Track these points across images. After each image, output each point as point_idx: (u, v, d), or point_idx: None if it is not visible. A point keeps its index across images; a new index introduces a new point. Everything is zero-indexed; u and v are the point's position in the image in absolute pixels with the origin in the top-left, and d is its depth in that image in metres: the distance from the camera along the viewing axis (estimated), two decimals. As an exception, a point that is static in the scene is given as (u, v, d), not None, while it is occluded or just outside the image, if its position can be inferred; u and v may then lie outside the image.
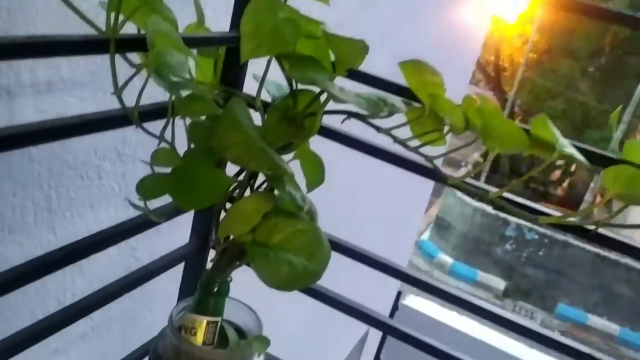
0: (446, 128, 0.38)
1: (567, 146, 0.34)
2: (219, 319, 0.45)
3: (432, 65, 0.38)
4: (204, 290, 0.44)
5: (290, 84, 0.42)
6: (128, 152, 0.68)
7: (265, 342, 0.44)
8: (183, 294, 0.53)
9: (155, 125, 0.40)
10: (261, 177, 0.43)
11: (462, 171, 10.98)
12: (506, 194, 0.37)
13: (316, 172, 0.43)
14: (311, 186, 0.44)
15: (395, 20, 1.41)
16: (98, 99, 0.58)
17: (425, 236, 9.83)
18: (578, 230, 0.36)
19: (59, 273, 0.59)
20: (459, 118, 0.36)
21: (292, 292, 0.43)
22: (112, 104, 0.56)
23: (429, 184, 3.25)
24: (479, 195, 0.37)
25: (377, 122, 0.39)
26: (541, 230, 9.28)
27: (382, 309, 3.36)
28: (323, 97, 0.40)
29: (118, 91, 0.32)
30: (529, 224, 9.29)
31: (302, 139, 0.41)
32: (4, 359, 0.38)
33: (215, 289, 0.44)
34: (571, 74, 10.20)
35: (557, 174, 11.69)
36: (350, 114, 0.40)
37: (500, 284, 9.04)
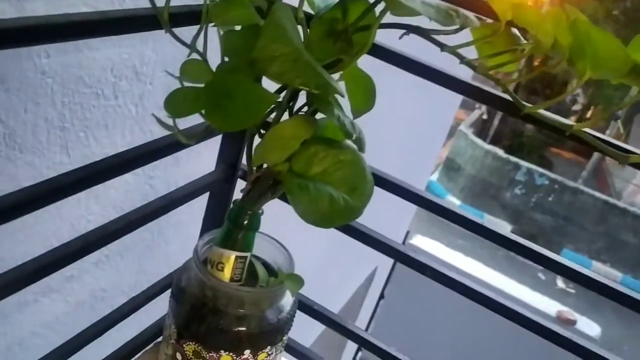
0: (525, 51, 0.32)
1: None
2: (248, 254, 0.41)
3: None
4: (233, 223, 0.40)
5: (340, -8, 0.36)
6: (146, 71, 0.62)
7: (300, 281, 0.40)
8: (207, 226, 0.49)
9: (185, 35, 0.35)
10: (301, 100, 0.38)
11: (476, 113, 10.80)
12: (589, 130, 0.32)
13: (366, 96, 0.38)
14: (358, 112, 0.39)
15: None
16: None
17: (434, 177, 9.81)
18: None
19: (74, 198, 0.56)
20: (547, 33, 0.30)
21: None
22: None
23: (446, 124, 3.18)
24: (562, 127, 0.32)
25: (443, 39, 0.34)
26: (552, 175, 9.23)
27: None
28: (379, 8, 0.35)
29: (147, -15, 0.27)
30: (540, 169, 9.23)
31: (352, 57, 0.35)
32: (19, 288, 0.34)
33: (245, 222, 0.40)
34: (595, 15, 9.84)
35: (572, 119, 11.51)
36: (411, 28, 0.34)
37: (506, 227, 9.08)
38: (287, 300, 0.43)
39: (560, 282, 7.96)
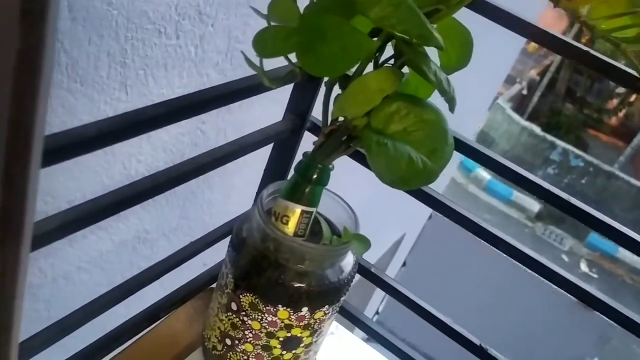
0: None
1: None
2: (314, 209, 0.39)
3: None
4: (302, 175, 0.38)
5: None
6: (210, 12, 0.60)
7: (367, 242, 0.38)
8: (268, 177, 0.48)
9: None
10: (388, 52, 0.36)
11: (516, 88, 10.55)
12: None
13: (461, 52, 0.35)
14: (450, 69, 0.36)
15: None
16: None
17: (466, 149, 9.66)
18: None
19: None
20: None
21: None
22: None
23: (489, 97, 3.09)
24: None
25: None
26: (588, 158, 9.03)
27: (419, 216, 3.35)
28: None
29: None
30: (576, 150, 9.03)
31: (451, 8, 0.33)
32: (78, 229, 0.33)
33: (315, 176, 0.38)
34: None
35: (614, 102, 11.15)
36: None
37: (534, 206, 8.95)
38: (349, 261, 0.41)
39: (583, 266, 7.87)
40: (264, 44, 0.29)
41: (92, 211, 0.35)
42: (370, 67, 0.36)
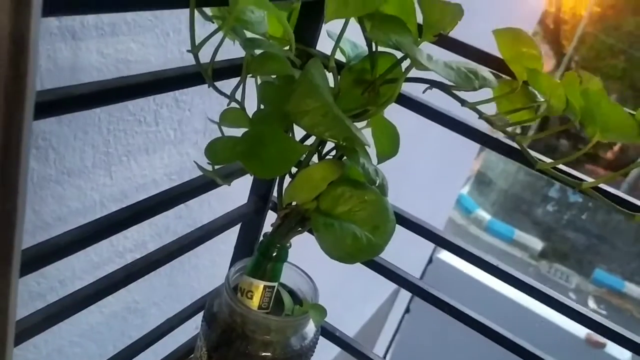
0: (541, 108, 0.34)
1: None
2: (275, 284, 0.44)
3: (529, 35, 0.35)
4: (262, 254, 0.43)
5: (370, 46, 0.39)
6: (185, 99, 0.66)
7: (323, 311, 0.43)
8: (238, 254, 0.52)
9: (223, 85, 0.38)
10: (330, 143, 0.41)
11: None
12: (602, 186, 0.34)
13: (390, 144, 0.41)
14: (383, 157, 0.42)
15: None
16: (160, 44, 0.56)
17: (465, 190, 9.71)
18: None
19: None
20: (560, 98, 0.32)
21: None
22: (173, 50, 0.54)
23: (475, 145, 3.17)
24: (571, 184, 0.34)
25: (464, 94, 0.36)
26: (586, 193, 9.04)
27: (419, 259, 3.36)
28: (405, 63, 0.37)
29: (195, 49, 0.30)
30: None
31: (379, 107, 0.38)
32: (67, 316, 0.38)
33: (274, 254, 0.43)
34: (636, 31, 9.64)
35: (608, 136, 11.24)
36: (434, 84, 0.37)
37: (537, 244, 8.93)
38: (311, 328, 0.45)
39: (591, 303, 7.79)
40: (215, 152, 0.34)
41: (83, 297, 0.40)
42: (316, 158, 0.41)
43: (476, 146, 3.25)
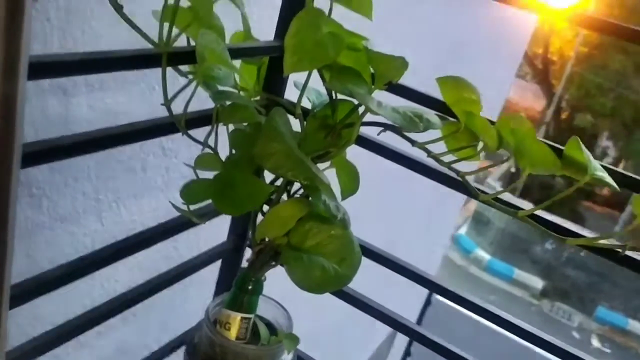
0: (480, 145, 0.38)
1: (599, 169, 0.34)
2: (252, 315, 0.47)
3: (469, 81, 0.39)
4: (238, 288, 0.46)
5: (330, 94, 0.43)
6: (172, 147, 0.70)
7: (295, 340, 0.46)
8: (220, 288, 0.56)
9: (199, 131, 0.42)
10: (298, 183, 0.45)
11: (504, 166, 10.76)
12: (539, 212, 0.38)
13: (351, 182, 0.45)
14: (345, 194, 0.45)
15: (439, 12, 1.39)
16: (146, 97, 0.61)
17: (463, 231, 9.72)
18: (606, 252, 0.36)
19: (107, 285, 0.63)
20: (492, 138, 0.36)
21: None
22: (158, 102, 0.58)
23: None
24: (509, 213, 0.38)
25: (412, 134, 0.40)
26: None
27: (416, 300, 3.35)
28: (361, 109, 0.41)
29: (168, 102, 0.34)
30: (571, 224, 9.07)
31: (340, 148, 0.42)
32: (56, 345, 0.41)
33: (250, 287, 0.46)
34: (623, 70, 9.85)
35: (603, 173, 11.32)
36: (387, 127, 0.41)
37: (538, 283, 8.88)
38: (287, 357, 0.48)
39: (595, 342, 7.70)
40: (190, 194, 0.38)
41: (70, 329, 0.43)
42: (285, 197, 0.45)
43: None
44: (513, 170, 11.05)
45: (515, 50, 2.60)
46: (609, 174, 0.35)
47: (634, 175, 0.36)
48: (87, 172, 0.60)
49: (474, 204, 9.94)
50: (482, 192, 0.39)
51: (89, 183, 0.61)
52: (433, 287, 0.51)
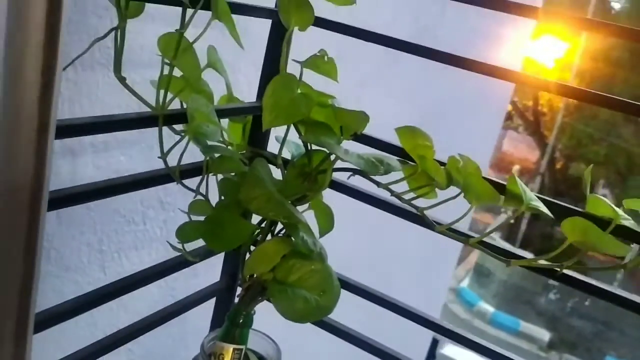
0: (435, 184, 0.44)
1: (534, 200, 0.40)
2: (243, 347, 0.52)
3: (424, 130, 0.45)
4: (230, 321, 0.51)
5: (306, 146, 0.50)
6: (170, 200, 0.76)
7: (283, 368, 0.50)
8: (214, 325, 0.60)
9: (193, 181, 0.48)
10: (281, 224, 0.50)
11: (502, 217, 10.80)
12: (487, 239, 0.43)
13: (327, 221, 0.50)
14: (323, 233, 0.51)
15: (421, 69, 1.48)
16: (145, 156, 0.67)
17: (465, 284, 9.65)
18: (547, 272, 0.41)
19: (107, 309, 0.68)
20: (442, 177, 0.42)
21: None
22: (156, 159, 0.65)
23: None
24: (461, 240, 0.43)
25: (379, 177, 0.46)
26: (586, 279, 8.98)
27: (417, 353, 3.32)
28: (333, 157, 0.48)
29: (164, 156, 0.40)
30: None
31: (316, 191, 0.48)
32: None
33: (241, 321, 0.51)
34: (612, 120, 10.05)
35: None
36: (355, 171, 0.47)
37: (544, 335, 8.74)
38: (276, 386, 0.52)
39: (607, 393, 7.52)
40: (183, 234, 0.44)
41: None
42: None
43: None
44: (512, 221, 11.08)
45: (499, 103, 2.70)
46: (544, 204, 0.41)
47: (562, 203, 0.42)
48: (93, 225, 0.66)
49: (474, 256, 9.92)
50: (438, 223, 0.44)
51: (93, 235, 0.67)
52: (437, 328, 0.54)
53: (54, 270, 0.63)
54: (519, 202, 0.40)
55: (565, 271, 0.42)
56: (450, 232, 0.44)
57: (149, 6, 0.41)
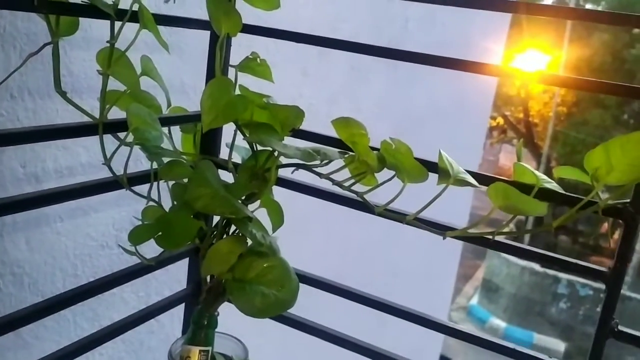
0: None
1: (462, 172, 0.42)
2: (209, 348, 0.53)
3: (359, 120, 0.48)
4: (195, 324, 0.53)
5: (252, 147, 0.52)
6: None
7: (249, 366, 0.51)
8: (185, 329, 0.62)
9: (144, 187, 0.50)
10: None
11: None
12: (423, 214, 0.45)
13: (277, 216, 0.52)
14: (275, 227, 0.53)
15: (398, 84, 1.52)
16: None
17: (474, 301, 9.57)
18: (480, 240, 0.43)
19: (88, 325, 0.69)
20: (373, 159, 0.44)
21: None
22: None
23: (456, 244, 3.26)
24: (399, 219, 0.45)
25: (321, 169, 0.48)
26: (595, 285, 8.94)
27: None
28: (277, 155, 0.50)
29: (107, 161, 0.43)
30: (580, 280, 8.97)
31: (263, 189, 0.50)
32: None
33: (205, 322, 0.53)
34: (602, 123, 10.12)
35: (605, 225, 11.35)
36: (298, 165, 0.49)
37: (559, 345, 8.63)
38: (245, 385, 0.54)
39: (628, 401, 7.38)
40: (135, 236, 0.46)
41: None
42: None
43: (459, 243, 3.34)
44: (514, 229, 11.01)
45: (481, 111, 2.74)
46: (472, 176, 0.43)
47: (490, 175, 0.43)
48: (65, 250, 0.68)
49: (481, 272, 9.85)
50: (377, 205, 0.46)
51: (66, 261, 0.68)
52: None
53: (29, 297, 0.65)
54: (447, 176, 0.42)
55: (498, 238, 0.43)
56: (388, 212, 0.46)
57: (103, 32, 0.44)
